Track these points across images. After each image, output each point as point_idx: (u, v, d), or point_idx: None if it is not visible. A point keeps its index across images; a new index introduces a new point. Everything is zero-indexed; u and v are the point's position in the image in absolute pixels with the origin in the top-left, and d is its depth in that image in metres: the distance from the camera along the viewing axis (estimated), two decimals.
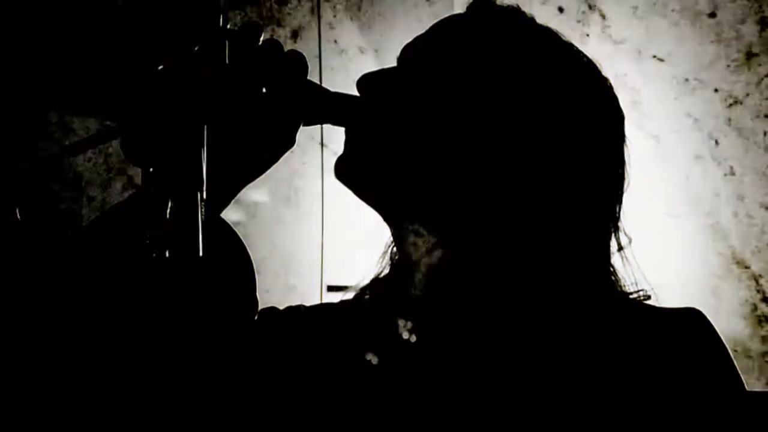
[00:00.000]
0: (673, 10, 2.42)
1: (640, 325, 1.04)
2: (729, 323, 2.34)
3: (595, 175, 1.06)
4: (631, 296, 1.08)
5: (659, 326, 1.03)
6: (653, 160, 2.37)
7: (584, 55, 1.10)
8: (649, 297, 1.09)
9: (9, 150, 0.88)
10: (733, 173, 2.37)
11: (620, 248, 1.09)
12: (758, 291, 2.36)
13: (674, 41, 2.42)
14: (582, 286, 1.04)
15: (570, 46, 1.09)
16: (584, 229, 1.05)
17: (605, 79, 1.10)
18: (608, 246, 1.08)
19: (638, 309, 1.07)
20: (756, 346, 2.36)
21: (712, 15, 2.39)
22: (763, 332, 2.36)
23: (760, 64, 2.36)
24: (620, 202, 1.09)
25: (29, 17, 0.83)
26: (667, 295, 1.11)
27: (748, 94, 2.37)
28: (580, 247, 1.05)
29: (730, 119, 2.38)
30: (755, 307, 2.36)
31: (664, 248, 2.29)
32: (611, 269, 1.08)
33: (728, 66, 2.37)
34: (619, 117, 1.10)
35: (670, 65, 2.41)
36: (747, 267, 2.36)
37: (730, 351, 1.04)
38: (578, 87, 1.06)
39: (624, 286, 1.09)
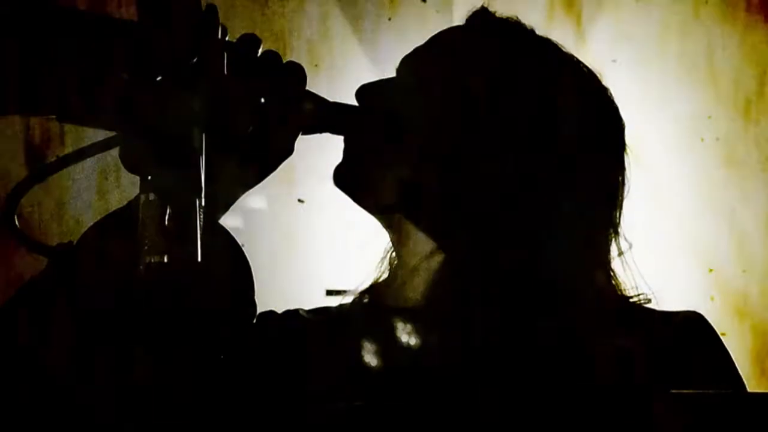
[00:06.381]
0: None
1: (641, 328, 1.04)
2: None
3: (595, 182, 1.08)
4: (631, 300, 1.09)
5: (660, 329, 1.05)
6: (655, 166, 2.37)
7: (584, 66, 1.12)
8: (649, 300, 1.10)
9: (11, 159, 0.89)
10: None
11: (620, 253, 1.10)
12: None
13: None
14: (582, 291, 1.05)
15: (570, 57, 1.11)
16: (585, 235, 1.07)
17: (605, 89, 1.12)
18: (609, 251, 1.09)
19: (639, 312, 1.08)
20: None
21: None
22: None
23: None
24: (621, 208, 1.10)
25: (35, 26, 0.84)
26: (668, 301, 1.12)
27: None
28: (581, 252, 1.06)
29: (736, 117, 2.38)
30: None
31: (665, 252, 2.29)
32: (611, 274, 1.09)
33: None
34: (619, 125, 1.12)
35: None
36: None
37: (731, 354, 1.06)
38: (578, 97, 1.08)
39: (624, 290, 1.09)
